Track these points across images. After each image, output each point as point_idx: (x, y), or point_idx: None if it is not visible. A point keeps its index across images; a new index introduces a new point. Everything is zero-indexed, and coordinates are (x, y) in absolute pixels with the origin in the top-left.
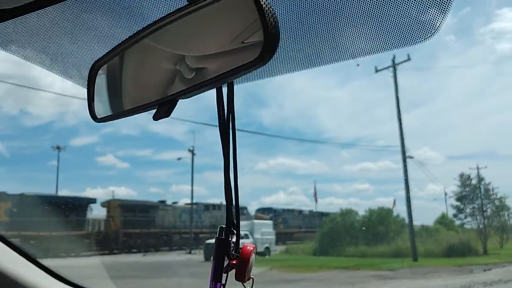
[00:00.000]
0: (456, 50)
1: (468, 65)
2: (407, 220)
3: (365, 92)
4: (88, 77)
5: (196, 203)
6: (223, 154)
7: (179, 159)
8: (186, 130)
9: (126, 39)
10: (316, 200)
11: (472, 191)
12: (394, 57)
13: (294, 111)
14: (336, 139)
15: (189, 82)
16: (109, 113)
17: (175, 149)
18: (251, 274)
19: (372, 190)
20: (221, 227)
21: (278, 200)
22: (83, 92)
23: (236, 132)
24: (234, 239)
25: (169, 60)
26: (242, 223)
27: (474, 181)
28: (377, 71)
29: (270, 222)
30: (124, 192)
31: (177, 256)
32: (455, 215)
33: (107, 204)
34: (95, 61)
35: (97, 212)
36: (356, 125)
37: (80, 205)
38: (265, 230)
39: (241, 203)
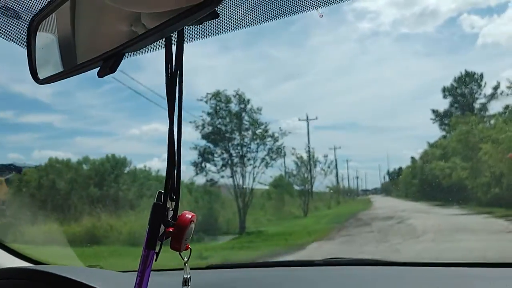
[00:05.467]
0: (326, 27)
1: (335, 43)
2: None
3: (242, 62)
4: (27, 35)
5: None
6: (168, 113)
7: None
8: (54, 92)
9: None
10: None
11: (230, 122)
12: None
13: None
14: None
15: (135, 33)
16: (51, 73)
17: (42, 111)
18: (188, 244)
19: None
20: (159, 192)
21: (151, 165)
22: None
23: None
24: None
25: (110, 11)
26: None
27: (235, 107)
28: None
29: None
30: None
31: None
32: (196, 164)
33: None
34: (33, 16)
35: None
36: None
37: None
38: None
39: None
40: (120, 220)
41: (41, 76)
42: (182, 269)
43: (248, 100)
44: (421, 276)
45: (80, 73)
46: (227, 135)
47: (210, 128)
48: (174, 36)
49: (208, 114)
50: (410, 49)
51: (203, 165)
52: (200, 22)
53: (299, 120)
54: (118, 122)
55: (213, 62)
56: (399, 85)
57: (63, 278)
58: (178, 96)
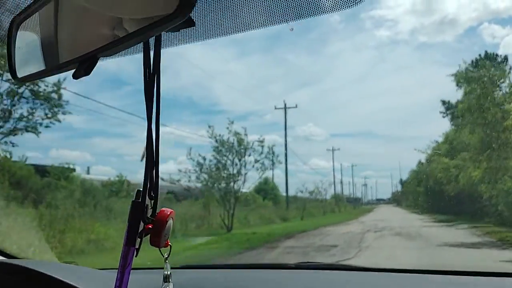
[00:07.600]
0: (343, 34)
1: (353, 50)
2: None
3: (259, 67)
4: (8, 33)
5: None
6: (147, 114)
7: None
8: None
9: None
10: None
11: None
12: None
13: (190, 81)
14: (230, 111)
15: (112, 37)
16: (30, 72)
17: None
18: (168, 240)
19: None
20: (138, 190)
21: (168, 169)
22: None
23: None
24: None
25: (90, 15)
26: None
27: None
28: None
29: None
30: None
31: None
32: None
33: None
34: (15, 15)
35: None
36: (249, 99)
37: None
38: None
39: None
40: None
41: (20, 74)
42: (162, 267)
43: None
44: (391, 282)
45: (58, 73)
46: None
47: None
48: (151, 41)
49: None
50: (429, 58)
51: None
52: (177, 29)
53: (276, 108)
54: (135, 124)
55: (231, 67)
56: (416, 95)
57: (39, 273)
58: (156, 99)
